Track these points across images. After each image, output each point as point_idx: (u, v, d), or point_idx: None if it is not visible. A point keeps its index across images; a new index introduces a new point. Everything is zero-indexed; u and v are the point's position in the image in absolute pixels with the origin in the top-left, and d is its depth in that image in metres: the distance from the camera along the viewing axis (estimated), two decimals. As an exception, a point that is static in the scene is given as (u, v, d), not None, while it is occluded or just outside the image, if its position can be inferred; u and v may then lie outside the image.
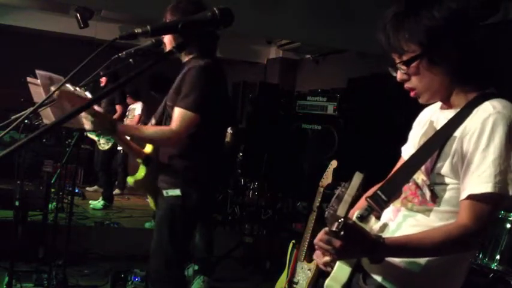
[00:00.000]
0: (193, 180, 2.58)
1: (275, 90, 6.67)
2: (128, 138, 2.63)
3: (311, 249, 3.25)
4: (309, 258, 3.24)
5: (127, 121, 7.21)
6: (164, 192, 2.59)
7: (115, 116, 6.16)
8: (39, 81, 3.45)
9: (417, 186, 1.51)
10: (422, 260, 1.46)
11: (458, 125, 1.42)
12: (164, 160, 2.64)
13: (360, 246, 1.38)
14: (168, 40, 2.53)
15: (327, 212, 1.50)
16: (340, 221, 1.31)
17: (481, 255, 3.19)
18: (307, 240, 3.24)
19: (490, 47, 1.49)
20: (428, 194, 1.48)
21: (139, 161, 2.68)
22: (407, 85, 1.50)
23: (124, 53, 2.47)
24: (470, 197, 1.38)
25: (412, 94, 1.51)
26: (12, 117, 1.47)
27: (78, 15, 6.32)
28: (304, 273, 3.23)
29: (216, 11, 1.25)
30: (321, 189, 3.29)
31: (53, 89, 2.15)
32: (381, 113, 5.02)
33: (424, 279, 1.47)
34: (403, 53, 1.44)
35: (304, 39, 6.46)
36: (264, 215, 5.92)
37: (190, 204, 2.58)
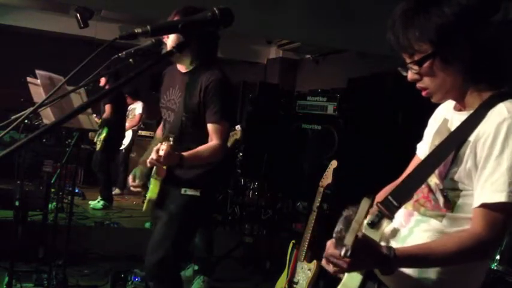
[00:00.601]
0: (211, 183, 2.76)
1: (275, 90, 6.65)
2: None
3: (311, 249, 3.25)
4: (309, 258, 3.24)
5: (128, 121, 7.22)
6: (182, 190, 2.67)
7: (104, 116, 6.17)
8: (39, 81, 3.46)
9: (430, 189, 1.48)
10: (436, 270, 1.44)
11: (473, 129, 1.38)
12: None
13: (371, 260, 1.37)
14: (171, 42, 2.54)
15: (334, 234, 1.50)
16: (347, 249, 1.30)
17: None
18: (307, 240, 3.24)
19: (502, 45, 1.45)
20: (441, 200, 1.45)
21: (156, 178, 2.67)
22: (419, 85, 1.46)
23: (124, 53, 2.46)
24: (484, 206, 1.35)
25: (424, 93, 1.47)
26: (12, 117, 1.46)
27: (78, 15, 6.32)
28: (304, 273, 3.23)
29: (216, 11, 1.25)
30: (321, 189, 3.30)
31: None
32: (380, 113, 5.00)
33: None
34: (413, 52, 1.40)
35: (304, 39, 6.45)
36: (264, 215, 5.91)
37: (205, 205, 2.77)
